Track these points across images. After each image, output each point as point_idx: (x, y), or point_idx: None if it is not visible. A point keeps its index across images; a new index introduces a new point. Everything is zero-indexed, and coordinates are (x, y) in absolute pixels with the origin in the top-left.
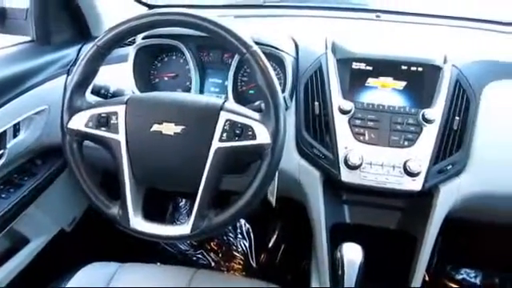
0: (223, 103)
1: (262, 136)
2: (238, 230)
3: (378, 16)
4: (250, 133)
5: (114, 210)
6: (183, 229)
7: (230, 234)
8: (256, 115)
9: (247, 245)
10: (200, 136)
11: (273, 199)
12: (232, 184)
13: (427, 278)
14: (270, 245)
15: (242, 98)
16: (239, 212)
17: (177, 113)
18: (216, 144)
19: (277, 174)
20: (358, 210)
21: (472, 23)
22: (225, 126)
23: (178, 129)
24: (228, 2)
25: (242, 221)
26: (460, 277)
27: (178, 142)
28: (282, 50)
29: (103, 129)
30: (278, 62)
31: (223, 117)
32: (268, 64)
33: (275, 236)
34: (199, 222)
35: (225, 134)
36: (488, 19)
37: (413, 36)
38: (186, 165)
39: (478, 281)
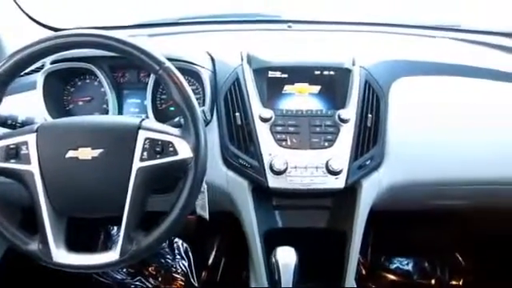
0: (141, 122)
1: (184, 151)
2: (176, 251)
3: (289, 26)
4: (172, 149)
5: (34, 246)
6: (111, 255)
7: (168, 256)
8: (175, 131)
9: (187, 265)
10: (120, 157)
11: (204, 213)
12: (160, 204)
13: (364, 272)
14: (210, 261)
15: (163, 116)
16: (169, 230)
17: (92, 136)
18: (137, 164)
19: (205, 187)
20: (289, 213)
21: (377, 27)
22: (144, 144)
23: (96, 153)
24: (141, 22)
25: (179, 241)
26: (394, 266)
27: (97, 166)
28: (198, 65)
29: (13, 161)
30: (195, 77)
31: (142, 135)
32: (182, 79)
33: (214, 252)
34: (128, 246)
35: (145, 153)
36: (392, 23)
37: (324, 43)
38: (108, 189)
39: (410, 267)
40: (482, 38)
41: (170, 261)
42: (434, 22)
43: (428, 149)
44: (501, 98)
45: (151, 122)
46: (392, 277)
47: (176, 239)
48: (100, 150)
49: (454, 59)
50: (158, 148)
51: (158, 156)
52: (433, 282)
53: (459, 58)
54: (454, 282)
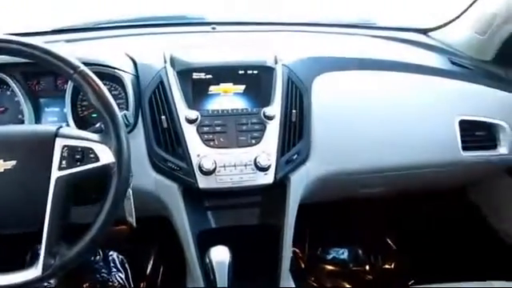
0: (58, 129)
1: (105, 156)
2: (111, 264)
3: (213, 28)
4: (92, 155)
5: None
6: (32, 272)
7: (103, 271)
8: (95, 136)
9: (123, 277)
10: (36, 168)
11: (132, 219)
12: (86, 215)
13: (303, 266)
14: (148, 270)
15: (85, 123)
16: (94, 239)
17: (3, 148)
18: (56, 173)
19: (131, 192)
20: (222, 213)
21: (298, 27)
22: (63, 152)
23: (9, 165)
24: (58, 27)
25: (114, 253)
26: (330, 256)
27: (10, 179)
28: (119, 69)
29: None
30: (117, 81)
31: (59, 143)
32: (100, 82)
33: (152, 260)
34: (50, 261)
35: (64, 162)
36: (312, 22)
37: (247, 43)
38: (25, 202)
39: (346, 256)
40: (396, 34)
41: (105, 275)
42: (351, 21)
43: (350, 140)
44: (413, 89)
45: (69, 129)
46: (330, 267)
47: (111, 252)
48: (13, 162)
49: (371, 54)
50: (77, 155)
51: (78, 164)
52: (367, 267)
53: (375, 53)
54: (387, 266)
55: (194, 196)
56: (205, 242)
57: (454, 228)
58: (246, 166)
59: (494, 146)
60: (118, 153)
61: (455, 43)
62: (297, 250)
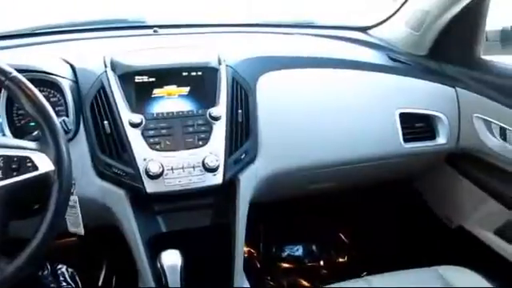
0: None
1: (44, 164)
2: (61, 278)
3: (155, 31)
4: (30, 164)
5: None
6: None
7: (52, 285)
8: (32, 144)
9: None
10: None
11: (78, 230)
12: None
13: (258, 265)
14: (101, 282)
15: (23, 133)
16: (36, 252)
17: None
18: None
19: (76, 200)
20: (172, 216)
21: (241, 28)
22: None
23: None
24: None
25: (63, 266)
26: (285, 254)
27: None
28: (56, 75)
29: None
30: (55, 88)
31: None
32: (34, 89)
33: (104, 271)
34: None
35: (0, 172)
36: (254, 23)
37: (190, 45)
38: None
39: (300, 253)
40: (336, 32)
41: None
42: (291, 21)
43: (296, 137)
44: (354, 85)
45: (4, 138)
46: (285, 265)
47: (59, 265)
48: None
49: (312, 53)
50: (14, 165)
51: (15, 173)
52: (322, 262)
53: (316, 52)
54: (340, 259)
55: (142, 201)
56: (156, 247)
57: (402, 217)
58: (194, 167)
59: (433, 137)
60: (58, 160)
61: (393, 40)
62: (251, 250)
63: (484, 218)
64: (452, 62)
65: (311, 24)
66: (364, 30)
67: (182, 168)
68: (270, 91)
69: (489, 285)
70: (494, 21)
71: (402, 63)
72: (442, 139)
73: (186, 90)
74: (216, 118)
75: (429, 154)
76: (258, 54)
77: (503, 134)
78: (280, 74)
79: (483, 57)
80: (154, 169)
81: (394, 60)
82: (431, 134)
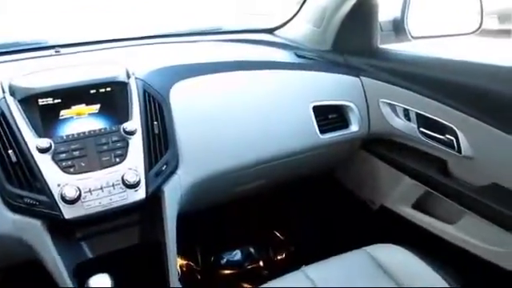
0: None
1: None
2: None
3: (57, 51)
4: None
5: None
6: None
7: None
8: None
9: None
10: None
11: None
12: None
13: (199, 277)
14: None
15: None
16: None
17: None
18: None
19: None
20: (98, 240)
21: (147, 40)
22: None
23: None
24: None
25: None
26: (224, 261)
27: None
28: None
29: None
30: None
31: None
32: None
33: None
34: None
35: None
36: (161, 34)
37: (95, 61)
38: None
39: (239, 257)
40: (244, 36)
41: None
42: (198, 29)
43: (214, 142)
44: (265, 84)
45: None
46: (226, 271)
47: None
48: None
49: (221, 58)
50: None
51: None
52: (261, 263)
53: (225, 56)
54: (279, 257)
55: (61, 229)
56: (84, 276)
57: (330, 206)
58: (113, 186)
59: (347, 125)
60: None
61: (298, 38)
62: (190, 263)
63: (402, 195)
64: (354, 53)
65: (218, 30)
66: (270, 31)
67: (101, 188)
68: (184, 100)
69: (414, 257)
70: (386, 12)
71: (309, 59)
72: (354, 127)
73: (95, 107)
74: (131, 133)
75: (345, 143)
76: (167, 64)
77: (407, 115)
78: (192, 81)
79: (381, 46)
80: (70, 193)
81: (302, 57)
82: (345, 123)
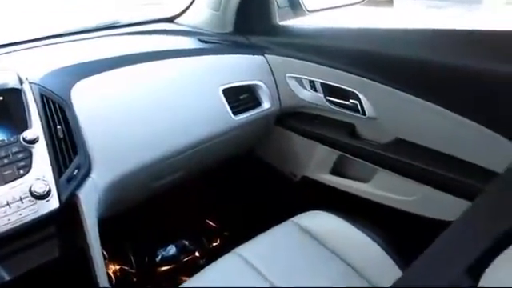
0: None
1: None
2: None
3: None
4: None
5: None
6: None
7: None
8: None
9: None
10: None
11: None
12: None
13: (135, 279)
14: None
15: None
16: None
17: None
18: None
19: None
20: (14, 260)
21: (38, 42)
22: None
23: None
24: None
25: None
26: (159, 258)
27: None
28: None
29: None
30: None
31: None
32: None
33: None
34: None
35: None
36: (52, 34)
37: None
38: None
39: (174, 251)
40: (144, 27)
41: None
42: (94, 25)
43: (127, 138)
44: (171, 73)
45: None
46: (162, 268)
47: None
48: None
49: (121, 52)
50: None
51: None
52: (197, 254)
53: (125, 50)
54: (214, 244)
55: None
56: None
57: (255, 185)
58: (21, 200)
59: (259, 104)
60: None
61: (200, 24)
62: (123, 267)
63: (319, 163)
64: (255, 32)
65: (116, 24)
66: (171, 20)
67: (8, 204)
68: (87, 99)
69: (338, 219)
70: None
71: (213, 43)
72: (266, 104)
73: None
74: (33, 141)
75: (260, 121)
76: (64, 65)
77: (313, 86)
78: (93, 79)
79: (280, 23)
80: None
81: (205, 42)
82: (256, 102)
